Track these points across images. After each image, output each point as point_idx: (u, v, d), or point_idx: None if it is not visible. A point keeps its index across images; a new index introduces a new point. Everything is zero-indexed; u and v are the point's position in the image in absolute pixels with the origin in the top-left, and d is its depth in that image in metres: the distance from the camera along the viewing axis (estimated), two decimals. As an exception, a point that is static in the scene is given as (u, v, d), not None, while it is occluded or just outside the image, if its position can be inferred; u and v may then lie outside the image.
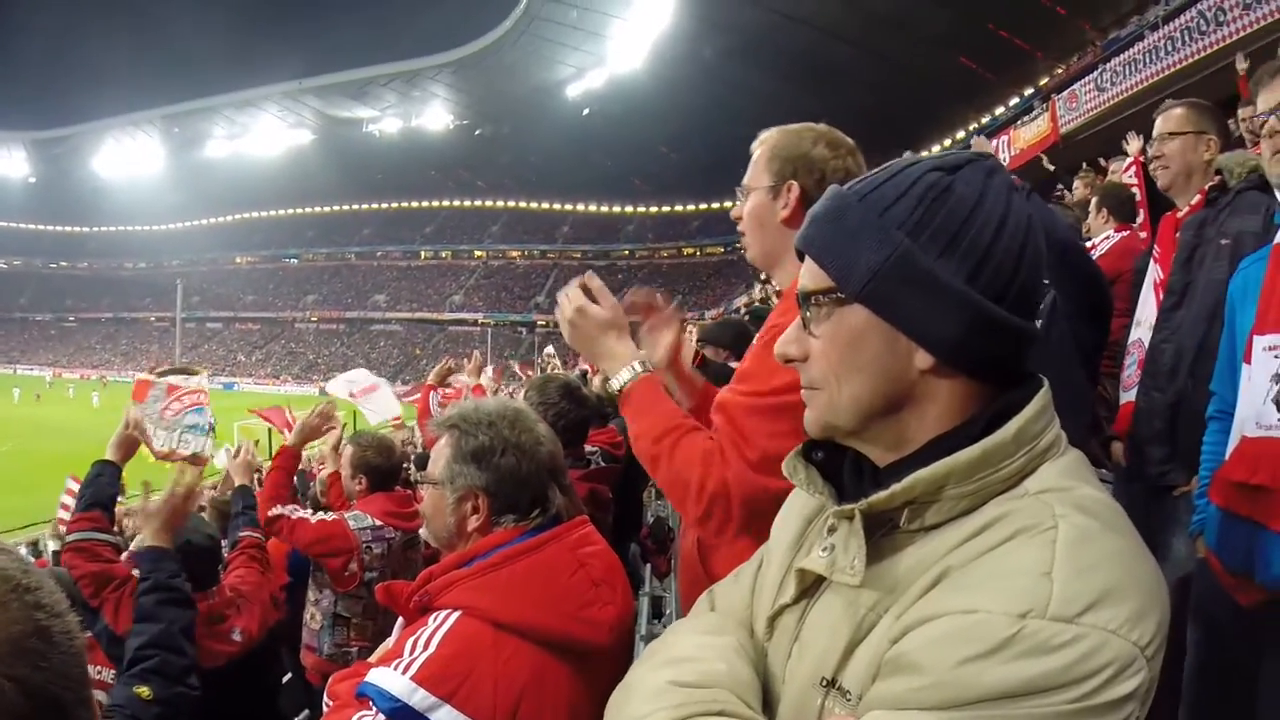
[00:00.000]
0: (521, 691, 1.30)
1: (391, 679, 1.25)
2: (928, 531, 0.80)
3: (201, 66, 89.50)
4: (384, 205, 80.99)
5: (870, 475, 0.88)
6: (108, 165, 78.44)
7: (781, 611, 0.93)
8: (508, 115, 61.68)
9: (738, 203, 1.65)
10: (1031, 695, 0.68)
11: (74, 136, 75.53)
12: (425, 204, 78.68)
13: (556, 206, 74.22)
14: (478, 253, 74.73)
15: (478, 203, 77.24)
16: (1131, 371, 2.68)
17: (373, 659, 1.48)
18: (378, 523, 3.15)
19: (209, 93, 69.60)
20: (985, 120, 32.75)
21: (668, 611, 3.61)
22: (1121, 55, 16.16)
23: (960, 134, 33.60)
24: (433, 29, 66.48)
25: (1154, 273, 2.66)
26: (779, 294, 1.91)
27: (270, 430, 13.45)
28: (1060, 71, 28.12)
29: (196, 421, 3.48)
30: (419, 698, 1.23)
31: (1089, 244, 3.87)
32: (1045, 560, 0.71)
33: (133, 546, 2.33)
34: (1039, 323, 2.61)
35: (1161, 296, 2.52)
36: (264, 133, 71.26)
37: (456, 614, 1.34)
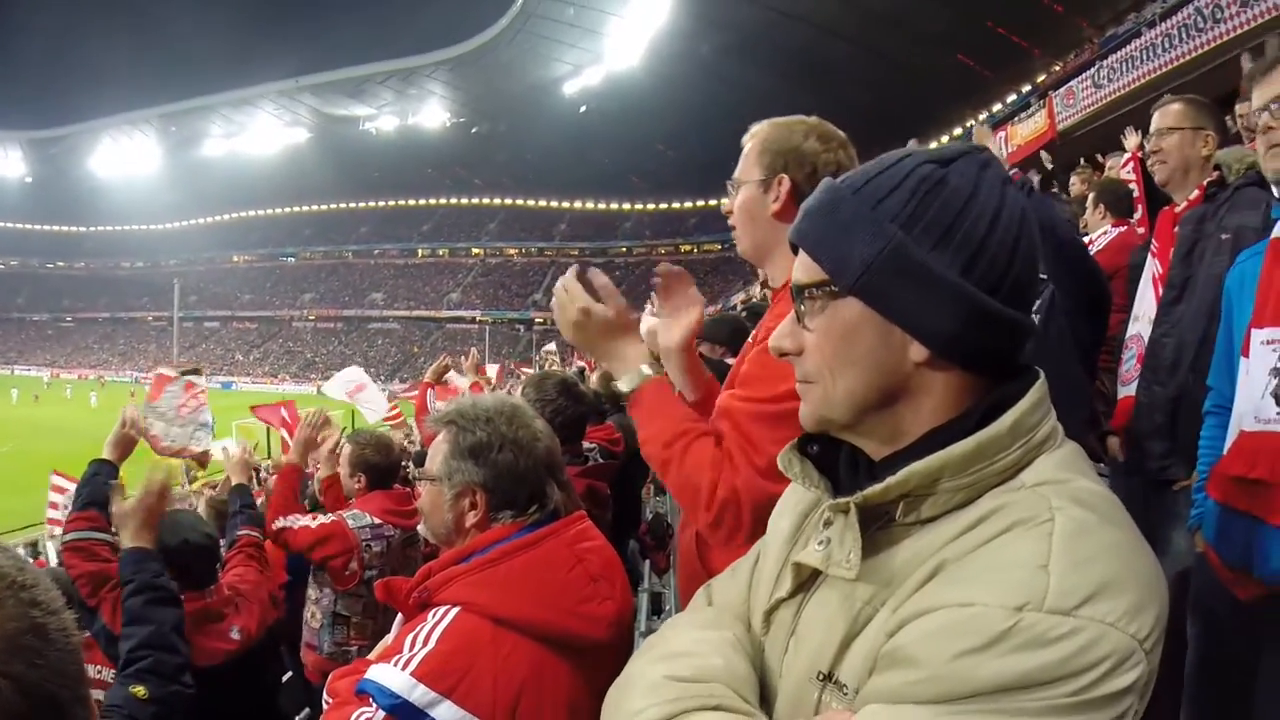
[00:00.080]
0: (521, 686, 1.30)
1: (391, 675, 1.26)
2: (924, 525, 0.80)
3: (198, 65, 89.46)
4: (381, 203, 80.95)
5: (866, 469, 0.88)
6: (104, 165, 78.35)
7: (778, 605, 0.93)
8: (504, 113, 61.65)
9: (729, 197, 1.65)
10: (1029, 688, 0.67)
11: (70, 136, 75.42)
12: (422, 202, 78.62)
13: (554, 204, 74.18)
14: (475, 250, 74.68)
15: (475, 200, 77.19)
16: (1130, 366, 2.68)
17: (372, 656, 1.48)
18: (376, 521, 3.15)
19: (205, 91, 69.60)
20: (983, 117, 32.70)
21: (667, 608, 3.61)
22: (1118, 52, 16.17)
23: (958, 131, 33.63)
24: (429, 26, 66.41)
25: (1152, 267, 2.66)
26: (763, 284, 1.90)
27: (268, 430, 13.46)
28: (1057, 68, 28.14)
29: (206, 420, 3.53)
30: (419, 694, 1.24)
31: (1086, 239, 3.88)
32: (1042, 553, 0.71)
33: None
34: (1036, 317, 2.61)
35: (1161, 291, 2.52)
36: (260, 131, 71.20)
37: (455, 610, 1.34)
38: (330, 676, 1.47)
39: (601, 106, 55.82)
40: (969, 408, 0.82)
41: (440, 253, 75.80)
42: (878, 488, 0.80)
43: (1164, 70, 14.03)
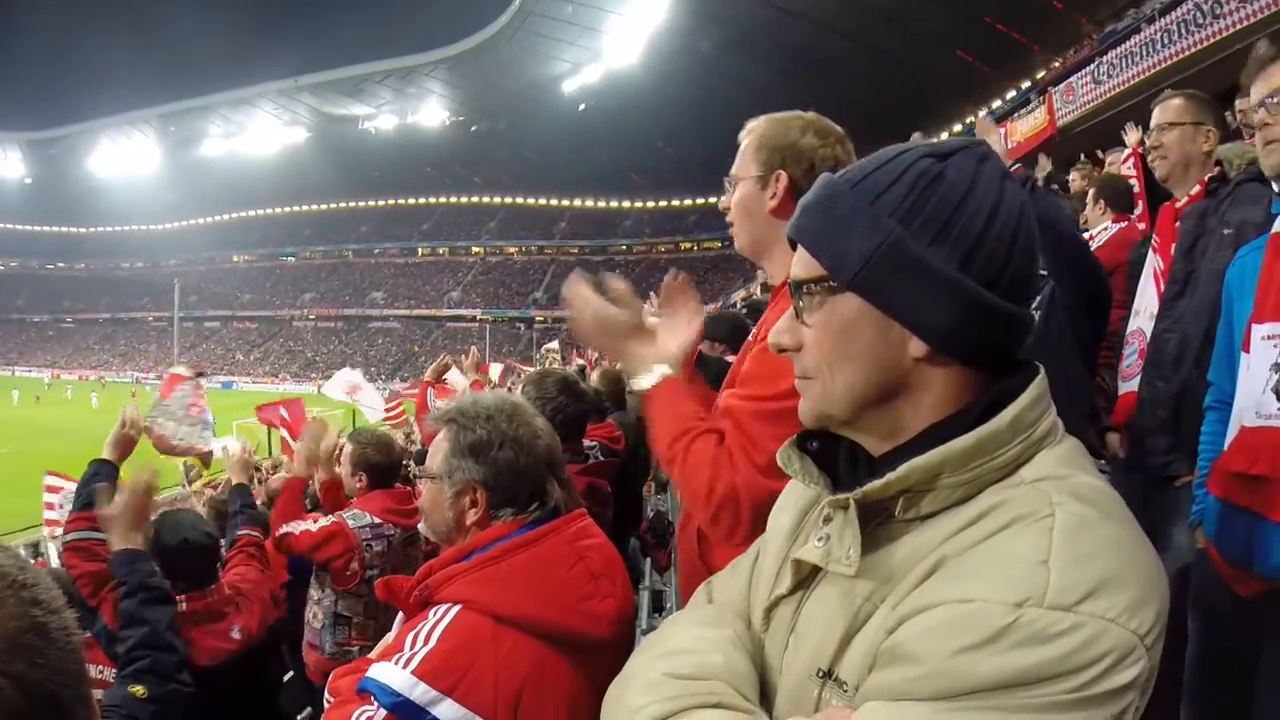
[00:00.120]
0: (522, 684, 1.30)
1: (392, 674, 1.26)
2: (923, 520, 0.80)
3: (196, 65, 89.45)
4: (381, 202, 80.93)
5: (865, 465, 0.88)
6: (104, 165, 78.35)
7: (778, 603, 0.92)
8: (504, 111, 61.61)
9: (726, 193, 1.64)
10: (1029, 685, 0.67)
11: (70, 137, 75.42)
12: (422, 201, 78.59)
13: (553, 202, 74.15)
14: (475, 249, 74.68)
15: (474, 199, 77.16)
16: (1131, 362, 2.67)
17: (374, 654, 1.48)
18: (376, 520, 3.15)
19: (204, 91, 69.63)
20: (983, 113, 32.57)
21: (668, 605, 3.62)
22: (1118, 48, 16.14)
23: (957, 127, 33.55)
24: (428, 25, 66.30)
25: (1153, 262, 2.66)
26: (764, 285, 1.91)
27: (269, 430, 13.50)
28: (1057, 65, 28.06)
29: (209, 420, 3.58)
30: (420, 692, 1.24)
31: (1087, 235, 3.88)
32: (1042, 548, 0.70)
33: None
34: (1037, 313, 2.61)
35: (1163, 286, 2.52)
36: (260, 131, 71.19)
37: (456, 608, 1.34)
38: (331, 675, 1.47)
39: (601, 104, 55.77)
40: (969, 403, 0.82)
41: (440, 251, 75.78)
42: (877, 484, 0.80)
43: (1163, 66, 14.01)
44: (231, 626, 2.67)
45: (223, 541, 3.16)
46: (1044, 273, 2.62)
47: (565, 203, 74.01)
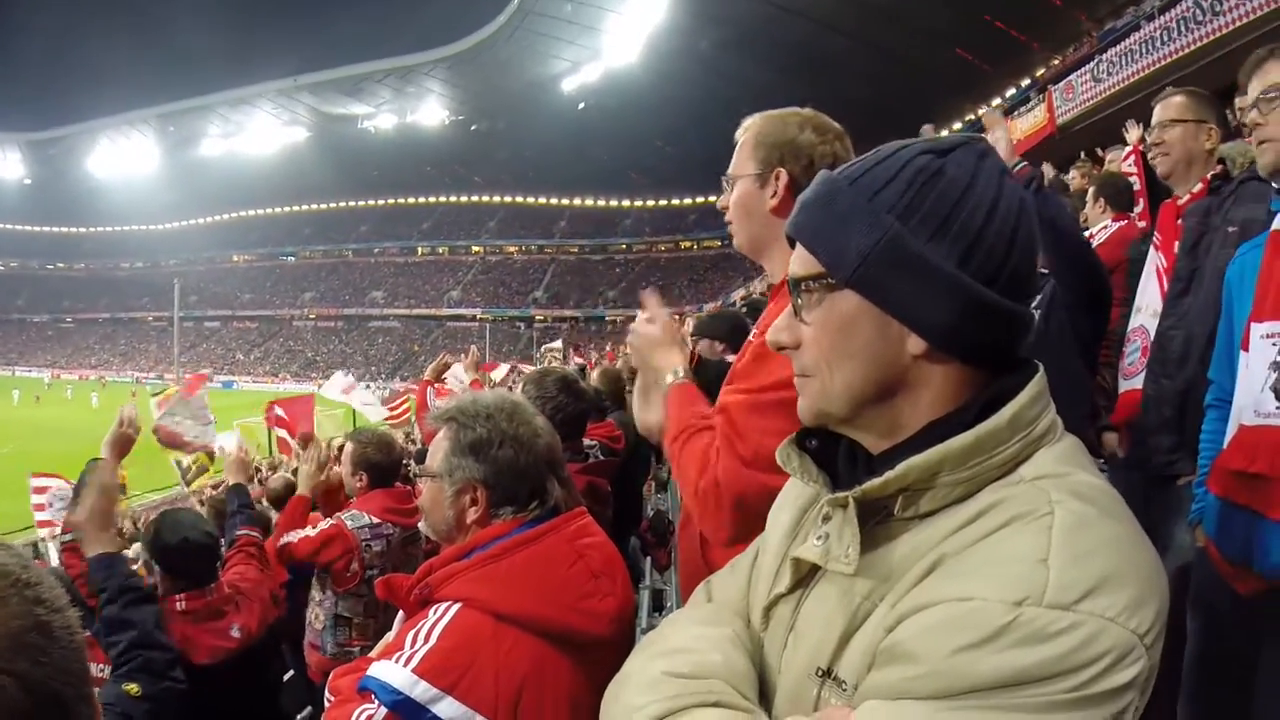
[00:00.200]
0: (522, 682, 1.30)
1: (393, 672, 1.26)
2: (922, 519, 0.80)
3: (195, 65, 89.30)
4: (380, 202, 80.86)
5: (864, 463, 0.88)
6: (103, 165, 78.33)
7: (777, 601, 0.92)
8: (503, 110, 61.57)
9: (724, 192, 1.64)
10: (1028, 684, 0.67)
11: (69, 137, 75.40)
12: (422, 200, 78.54)
13: (553, 201, 74.11)
14: (475, 248, 74.62)
15: (474, 198, 77.09)
16: (1134, 359, 2.66)
17: (374, 653, 1.49)
18: (375, 520, 3.15)
19: (203, 91, 69.59)
20: (982, 111, 32.66)
21: (668, 604, 3.62)
22: (1117, 46, 16.10)
23: (957, 125, 33.52)
24: (427, 24, 66.24)
25: (1156, 259, 2.65)
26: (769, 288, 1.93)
27: (270, 430, 13.53)
28: (1056, 63, 28.06)
29: (212, 419, 3.70)
30: (420, 690, 1.24)
31: (1087, 234, 3.87)
32: (1041, 547, 0.70)
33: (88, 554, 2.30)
34: (1037, 312, 2.60)
35: (1166, 283, 2.51)
36: (259, 130, 71.16)
37: (457, 606, 1.34)
38: (332, 674, 1.48)
39: (600, 103, 55.74)
40: (968, 401, 0.82)
41: (440, 251, 75.73)
42: (876, 482, 0.80)
43: (1163, 64, 13.98)
44: (231, 625, 2.67)
45: (222, 541, 3.16)
46: (1045, 271, 2.62)
47: (565, 202, 73.97)
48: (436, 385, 5.03)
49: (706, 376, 1.86)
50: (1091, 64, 17.03)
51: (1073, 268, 2.58)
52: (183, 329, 59.44)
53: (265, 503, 5.60)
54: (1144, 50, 14.70)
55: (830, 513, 0.85)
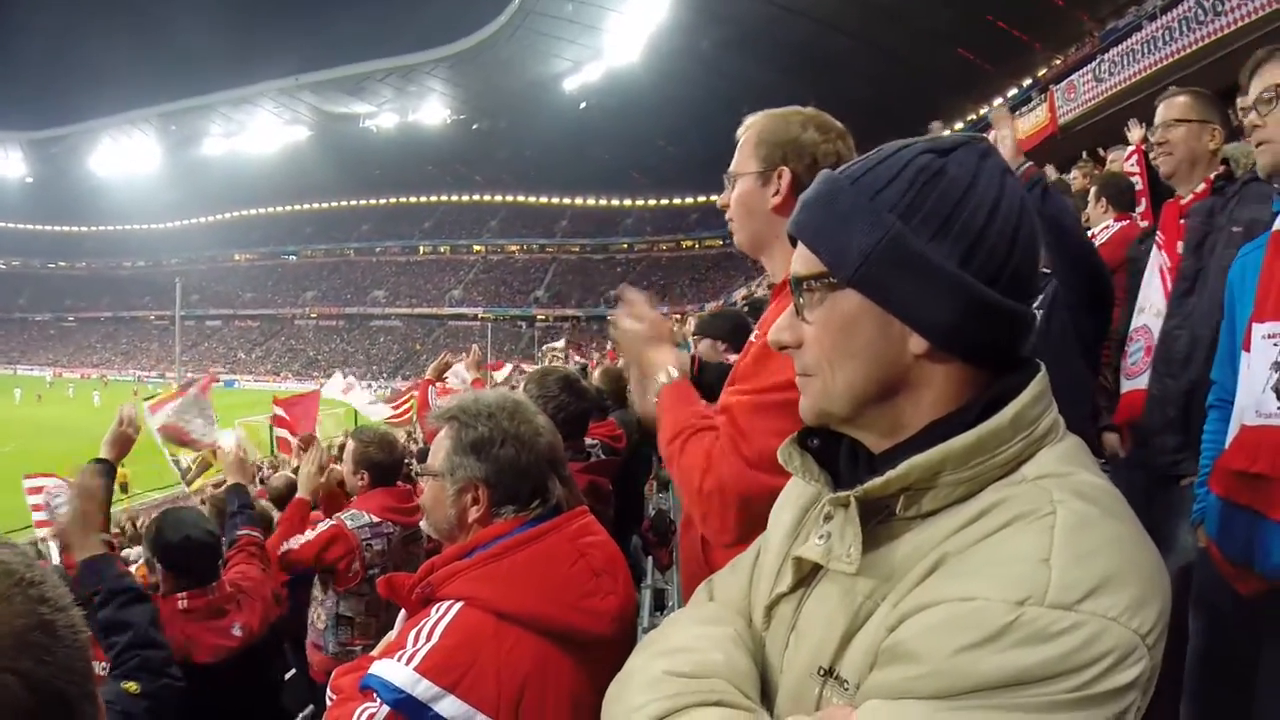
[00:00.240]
0: (524, 681, 1.30)
1: (395, 670, 1.26)
2: (924, 518, 0.80)
3: (197, 64, 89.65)
4: (382, 201, 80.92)
5: (866, 462, 0.88)
6: (105, 164, 78.44)
7: (778, 600, 0.92)
8: (505, 109, 61.58)
9: (725, 190, 1.64)
10: (1030, 684, 0.67)
11: (71, 136, 75.49)
12: (423, 199, 78.56)
13: (555, 200, 74.12)
14: (476, 247, 74.66)
15: (476, 197, 77.11)
16: (1137, 359, 2.65)
17: (376, 652, 1.49)
18: (375, 519, 3.15)
19: (205, 90, 69.78)
20: (984, 111, 32.62)
21: (670, 604, 3.62)
22: (1119, 46, 16.10)
23: (959, 125, 33.50)
24: (428, 23, 66.44)
25: (1159, 259, 2.64)
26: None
27: (271, 429, 13.56)
28: (1058, 62, 28.04)
29: (214, 417, 3.78)
30: (422, 688, 1.24)
31: (1089, 234, 3.87)
32: (1043, 546, 0.70)
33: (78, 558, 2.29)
34: (1039, 312, 2.59)
35: (1170, 282, 2.50)
36: (261, 129, 71.23)
37: (458, 605, 1.34)
38: (334, 673, 1.48)
39: (602, 102, 55.74)
40: (969, 400, 0.82)
41: (442, 250, 75.79)
42: (877, 481, 0.80)
43: (1165, 64, 13.97)
44: (233, 624, 2.67)
45: (223, 540, 3.16)
46: (1047, 271, 2.61)
47: (566, 201, 73.99)
48: (438, 384, 5.03)
49: (706, 379, 1.86)
50: (1093, 64, 17.02)
51: (1075, 268, 2.57)
52: (184, 328, 59.47)
53: (267, 501, 5.62)
54: (1146, 50, 14.69)
55: (832, 512, 0.85)
